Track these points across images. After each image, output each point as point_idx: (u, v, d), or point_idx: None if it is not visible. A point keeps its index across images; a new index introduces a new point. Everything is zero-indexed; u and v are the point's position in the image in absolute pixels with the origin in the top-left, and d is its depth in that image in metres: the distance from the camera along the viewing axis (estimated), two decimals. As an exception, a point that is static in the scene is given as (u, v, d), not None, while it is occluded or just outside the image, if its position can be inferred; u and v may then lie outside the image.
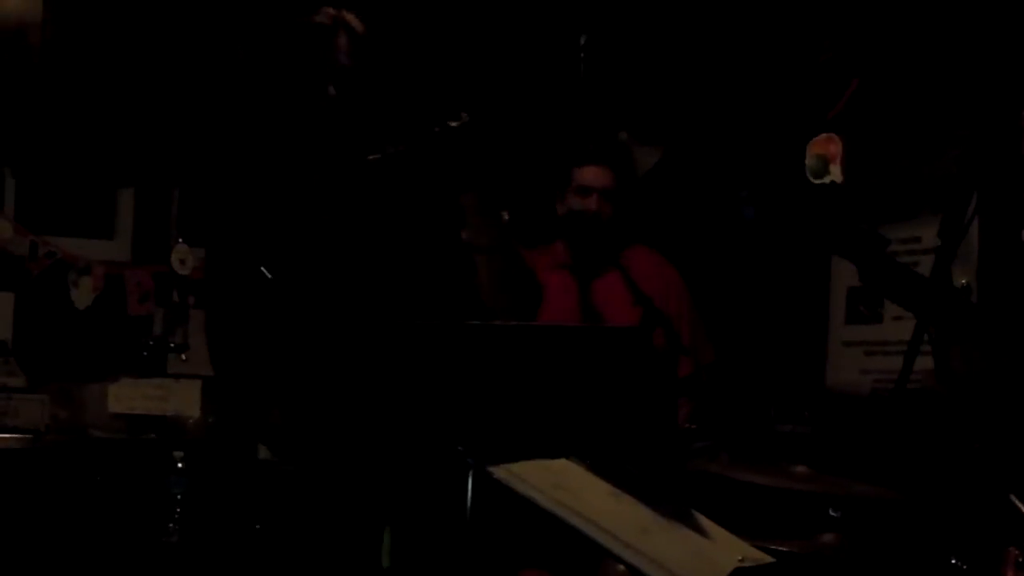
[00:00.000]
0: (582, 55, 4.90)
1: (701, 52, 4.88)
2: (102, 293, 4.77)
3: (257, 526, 4.04)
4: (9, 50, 4.64)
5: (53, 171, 4.79)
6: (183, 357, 4.64)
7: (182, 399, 4.49)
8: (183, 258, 4.77)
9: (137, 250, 4.94)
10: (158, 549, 4.09)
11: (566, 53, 4.93)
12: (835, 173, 4.41)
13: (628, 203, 4.06)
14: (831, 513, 2.96)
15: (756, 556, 2.21)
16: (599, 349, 2.91)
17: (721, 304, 4.46)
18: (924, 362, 2.94)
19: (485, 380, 2.75)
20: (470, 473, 2.38)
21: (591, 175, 3.93)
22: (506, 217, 3.24)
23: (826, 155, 4.45)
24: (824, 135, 4.47)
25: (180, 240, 4.81)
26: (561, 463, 2.26)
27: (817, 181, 4.44)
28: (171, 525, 4.09)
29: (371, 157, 3.23)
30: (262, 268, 3.39)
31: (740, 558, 2.17)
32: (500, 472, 2.13)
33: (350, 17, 3.28)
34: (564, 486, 2.14)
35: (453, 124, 3.11)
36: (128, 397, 4.49)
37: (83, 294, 4.77)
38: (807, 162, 4.49)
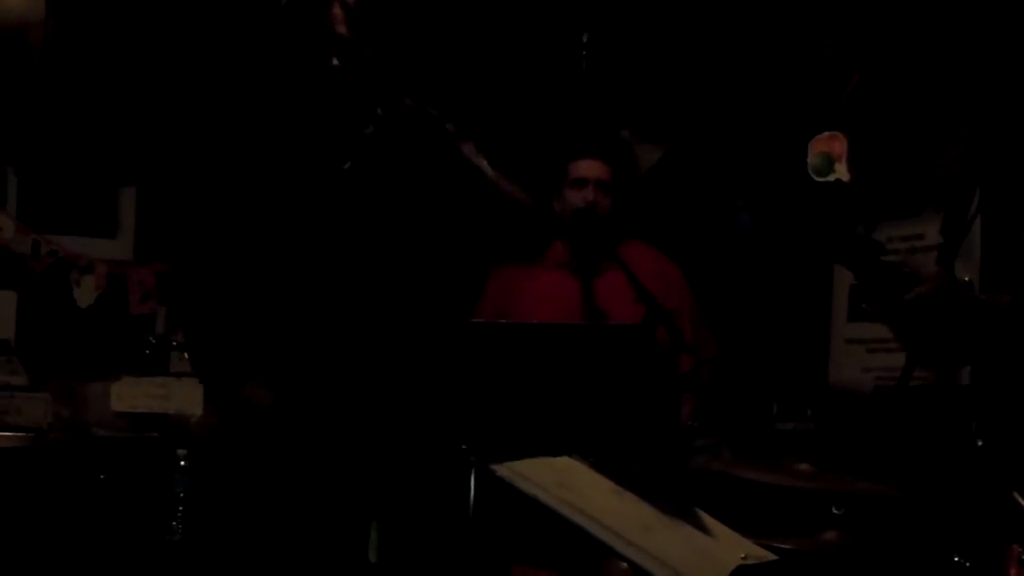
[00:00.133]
0: (584, 53, 4.90)
1: (702, 50, 4.87)
2: (104, 292, 4.77)
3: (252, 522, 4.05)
4: (11, 48, 4.64)
5: (55, 170, 4.79)
6: (185, 356, 4.65)
7: (184, 397, 4.49)
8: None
9: (139, 249, 4.94)
10: (161, 547, 4.09)
11: (568, 51, 4.93)
12: (841, 171, 4.40)
13: (626, 197, 4.06)
14: (833, 511, 2.96)
15: (759, 554, 2.21)
16: (602, 347, 2.92)
17: (723, 302, 4.46)
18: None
19: (489, 378, 2.76)
20: (473, 471, 2.38)
21: (586, 167, 3.94)
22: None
23: (830, 153, 4.45)
24: (827, 133, 4.46)
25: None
26: (564, 461, 2.26)
27: (821, 179, 4.44)
28: (174, 523, 4.10)
29: (366, 131, 3.25)
30: (240, 220, 3.42)
31: (743, 556, 2.17)
32: (503, 470, 2.13)
33: None
34: (567, 484, 2.14)
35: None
36: (130, 395, 4.50)
37: (85, 293, 4.77)
38: (809, 160, 4.48)
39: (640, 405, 2.87)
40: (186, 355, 4.43)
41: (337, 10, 3.32)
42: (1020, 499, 2.48)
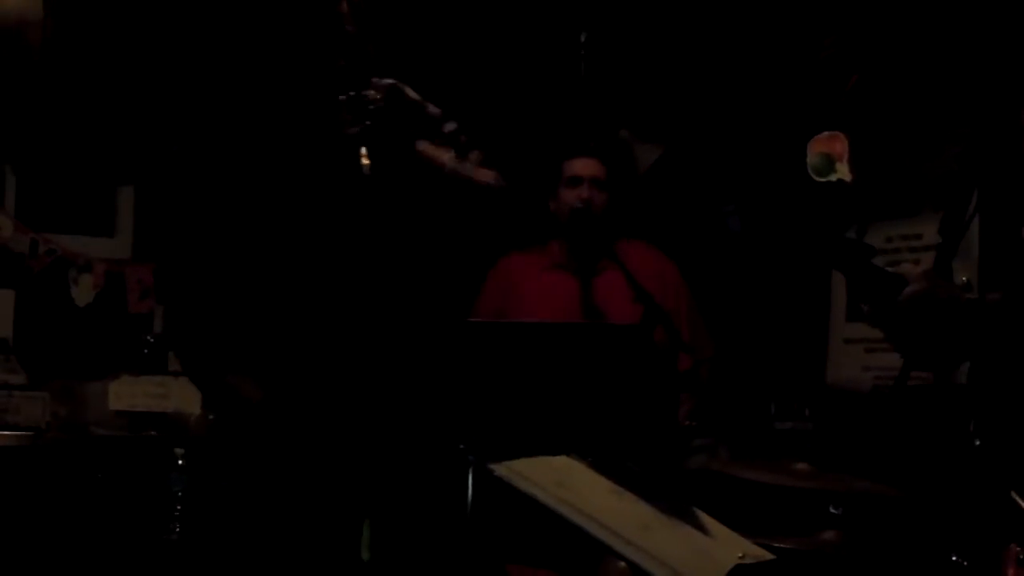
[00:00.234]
0: (582, 52, 4.90)
1: (699, 49, 4.87)
2: (102, 290, 4.77)
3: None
4: (9, 48, 4.63)
5: (54, 168, 4.79)
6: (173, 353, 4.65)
7: (183, 396, 4.49)
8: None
9: (137, 247, 4.94)
10: (159, 546, 4.09)
11: (566, 51, 4.93)
12: (842, 171, 4.40)
13: (622, 196, 4.07)
14: (832, 510, 2.96)
15: (757, 553, 2.21)
16: (600, 347, 2.92)
17: (722, 301, 4.46)
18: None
19: (487, 377, 2.76)
20: (471, 470, 2.38)
21: (580, 165, 3.95)
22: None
23: (830, 153, 4.44)
24: (827, 133, 4.46)
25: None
26: (562, 460, 2.27)
27: (821, 180, 4.44)
28: (172, 522, 4.09)
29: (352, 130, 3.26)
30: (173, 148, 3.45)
31: (741, 555, 2.17)
32: (501, 469, 2.13)
33: None
34: (565, 483, 2.14)
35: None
36: (129, 394, 4.50)
37: (84, 291, 4.77)
38: (809, 160, 4.48)
39: (638, 404, 2.87)
40: (172, 353, 4.43)
41: (344, 6, 3.32)
42: (1018, 499, 2.48)
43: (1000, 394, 2.98)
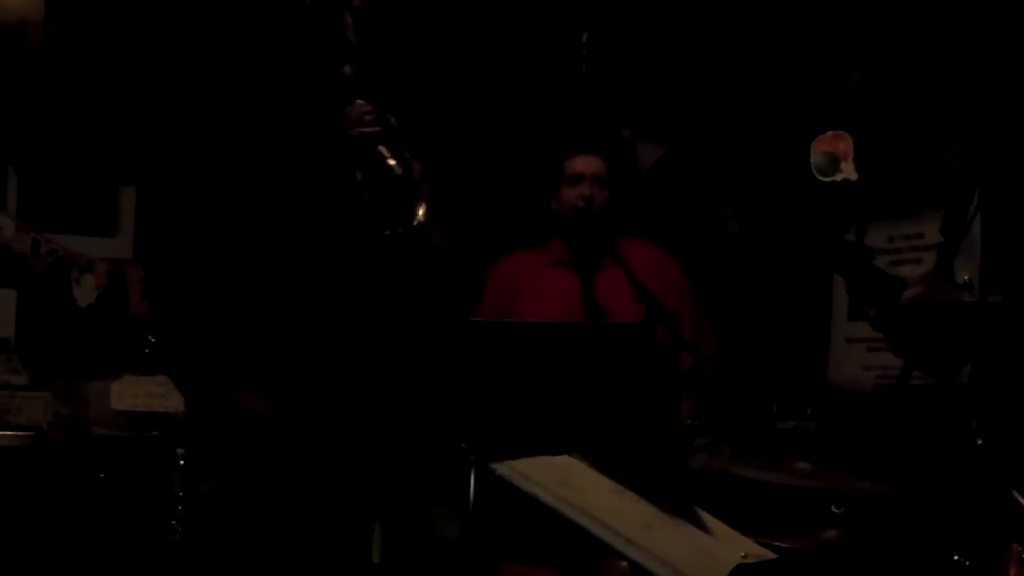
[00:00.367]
0: (584, 51, 4.90)
1: (701, 48, 4.87)
2: (104, 290, 4.77)
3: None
4: (11, 47, 4.64)
5: (55, 168, 4.79)
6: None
7: (184, 396, 4.49)
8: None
9: (139, 247, 4.94)
10: (160, 546, 4.09)
11: (568, 50, 4.93)
12: (848, 171, 4.40)
13: (624, 194, 4.07)
14: (833, 509, 2.97)
15: (759, 552, 2.21)
16: (602, 346, 2.92)
17: (724, 300, 4.46)
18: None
19: (488, 376, 2.76)
20: (473, 469, 2.38)
21: (581, 162, 3.95)
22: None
23: (835, 152, 4.44)
24: (831, 132, 4.46)
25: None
26: (564, 459, 2.26)
27: (825, 179, 4.43)
28: (173, 522, 4.09)
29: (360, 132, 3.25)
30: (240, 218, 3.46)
31: (743, 554, 2.17)
32: (503, 468, 2.13)
33: None
34: (567, 482, 2.14)
35: None
36: (130, 394, 4.50)
37: (85, 291, 4.77)
38: (813, 160, 4.48)
39: (640, 403, 2.87)
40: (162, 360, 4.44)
41: (347, 17, 3.33)
42: (1020, 498, 2.48)
43: (1002, 393, 2.97)
